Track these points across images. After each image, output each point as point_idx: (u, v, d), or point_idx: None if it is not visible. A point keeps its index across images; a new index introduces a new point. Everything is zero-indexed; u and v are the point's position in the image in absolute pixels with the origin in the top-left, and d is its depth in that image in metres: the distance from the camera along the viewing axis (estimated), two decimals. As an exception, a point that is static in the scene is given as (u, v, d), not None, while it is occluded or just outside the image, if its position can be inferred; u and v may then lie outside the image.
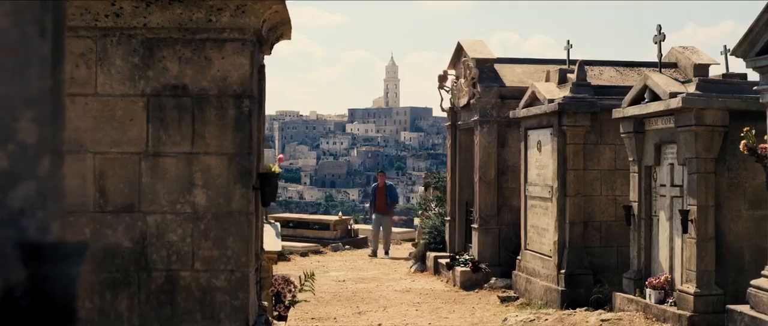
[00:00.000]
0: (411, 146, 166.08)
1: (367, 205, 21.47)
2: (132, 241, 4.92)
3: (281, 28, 5.61)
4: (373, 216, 19.47)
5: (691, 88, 8.88)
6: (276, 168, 5.77)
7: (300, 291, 6.91)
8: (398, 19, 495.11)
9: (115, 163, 4.92)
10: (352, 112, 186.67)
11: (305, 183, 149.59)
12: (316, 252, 19.70)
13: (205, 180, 4.92)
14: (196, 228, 4.93)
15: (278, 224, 8.05)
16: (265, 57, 5.95)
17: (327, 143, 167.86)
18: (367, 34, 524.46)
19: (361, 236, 20.99)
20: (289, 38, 5.95)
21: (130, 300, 4.92)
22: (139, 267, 4.92)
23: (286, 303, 6.65)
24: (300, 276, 7.09)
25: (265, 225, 7.73)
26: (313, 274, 7.20)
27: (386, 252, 18.92)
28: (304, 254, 19.16)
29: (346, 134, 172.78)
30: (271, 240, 6.89)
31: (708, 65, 13.38)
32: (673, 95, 8.78)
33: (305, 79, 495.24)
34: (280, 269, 17.19)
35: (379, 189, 19.49)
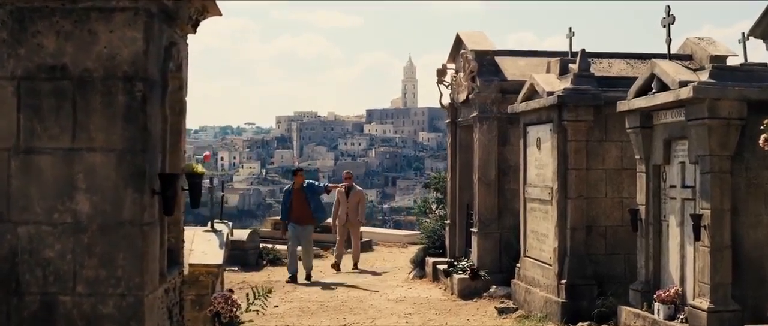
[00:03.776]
0: (429, 147, 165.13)
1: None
2: (-1, 258, 4.00)
3: (200, 1, 4.66)
4: (289, 228, 14.83)
5: (704, 77, 7.87)
6: (199, 168, 4.85)
7: (247, 310, 5.98)
8: (414, 20, 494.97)
9: (-22, 162, 4.01)
10: (370, 113, 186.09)
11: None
12: (317, 256, 18.86)
13: (89, 182, 4.00)
14: (78, 242, 4.00)
15: (226, 232, 7.08)
16: (189, 36, 5.01)
17: (345, 144, 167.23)
18: (384, 35, 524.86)
19: (364, 238, 20.07)
20: (218, 14, 5.02)
21: (-2, 330, 4.01)
22: (9, 290, 4.01)
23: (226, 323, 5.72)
24: (247, 295, 6.15)
25: (208, 232, 6.81)
26: (266, 291, 6.24)
27: (307, 276, 14.66)
28: (303, 258, 18.32)
29: (364, 135, 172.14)
30: (213, 251, 5.97)
31: (725, 56, 12.33)
32: (683, 84, 7.78)
33: (322, 80, 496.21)
34: (275, 274, 16.34)
35: (295, 191, 14.78)
